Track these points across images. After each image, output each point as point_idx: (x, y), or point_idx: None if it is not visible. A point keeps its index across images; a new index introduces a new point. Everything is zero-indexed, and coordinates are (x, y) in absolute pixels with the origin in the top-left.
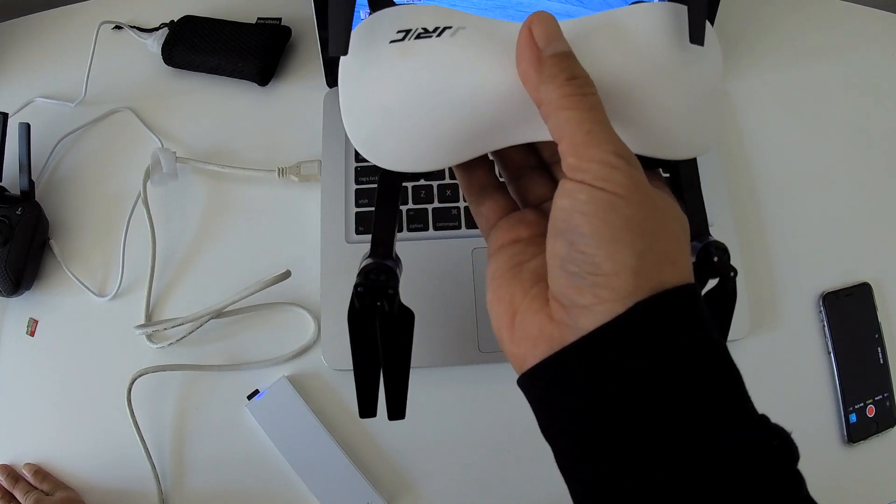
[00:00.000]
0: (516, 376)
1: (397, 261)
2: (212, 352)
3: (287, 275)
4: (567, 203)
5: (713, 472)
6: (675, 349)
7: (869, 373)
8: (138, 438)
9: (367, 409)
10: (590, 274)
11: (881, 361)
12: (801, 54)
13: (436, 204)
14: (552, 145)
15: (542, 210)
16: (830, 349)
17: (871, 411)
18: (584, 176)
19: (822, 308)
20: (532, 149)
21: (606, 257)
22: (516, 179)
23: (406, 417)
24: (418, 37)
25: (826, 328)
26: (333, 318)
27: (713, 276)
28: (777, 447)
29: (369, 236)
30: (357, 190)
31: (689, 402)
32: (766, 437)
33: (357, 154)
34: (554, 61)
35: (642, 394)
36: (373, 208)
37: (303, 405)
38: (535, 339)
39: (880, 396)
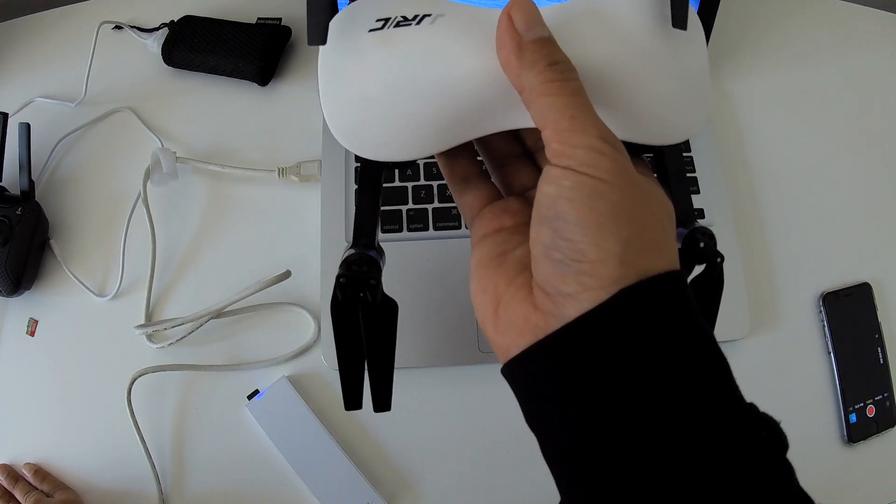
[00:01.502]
0: None
1: (380, 251)
2: (212, 352)
3: (287, 275)
4: (552, 189)
5: (699, 461)
6: (659, 336)
7: (869, 373)
8: (138, 438)
9: (352, 402)
10: (574, 261)
11: (881, 361)
12: (800, 54)
13: (436, 204)
14: (536, 132)
15: (526, 198)
16: (830, 349)
17: (871, 411)
18: (570, 162)
19: (822, 308)
20: (515, 136)
21: (592, 244)
22: (500, 167)
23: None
24: (398, 25)
25: (826, 328)
26: None
27: (700, 262)
28: (766, 436)
29: None
30: (357, 190)
31: (674, 390)
32: (753, 425)
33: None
34: (534, 47)
35: (625, 381)
36: None
37: (303, 405)
38: (520, 328)
39: (880, 396)
